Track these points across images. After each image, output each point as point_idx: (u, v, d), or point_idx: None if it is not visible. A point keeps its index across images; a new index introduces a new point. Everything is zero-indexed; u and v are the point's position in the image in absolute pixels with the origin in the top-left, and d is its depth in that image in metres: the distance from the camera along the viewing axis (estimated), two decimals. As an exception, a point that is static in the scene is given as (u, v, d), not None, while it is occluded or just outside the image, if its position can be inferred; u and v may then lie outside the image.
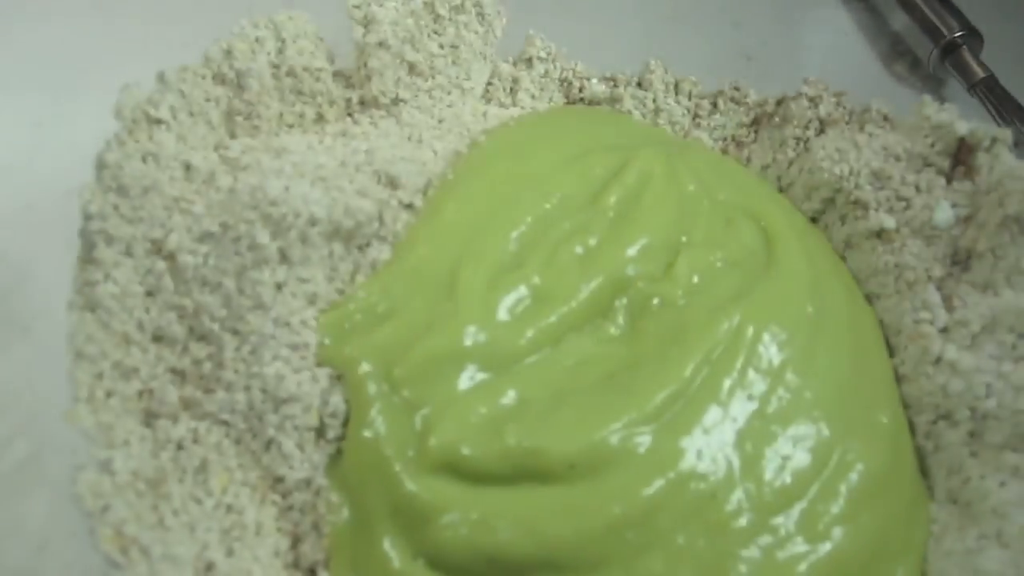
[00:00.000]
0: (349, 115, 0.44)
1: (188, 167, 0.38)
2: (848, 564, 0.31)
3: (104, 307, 0.36)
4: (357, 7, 0.43)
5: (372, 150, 0.39)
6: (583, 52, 0.49)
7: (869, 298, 0.40)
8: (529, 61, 0.48)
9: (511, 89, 0.48)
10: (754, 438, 0.32)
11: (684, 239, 0.39)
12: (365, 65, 0.43)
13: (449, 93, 0.45)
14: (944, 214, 0.38)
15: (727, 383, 0.33)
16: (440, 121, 0.44)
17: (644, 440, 0.31)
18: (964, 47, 0.50)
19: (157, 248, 0.36)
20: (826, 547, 0.31)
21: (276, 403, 0.34)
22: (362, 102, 0.44)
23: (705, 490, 0.31)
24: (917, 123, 0.40)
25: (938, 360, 0.36)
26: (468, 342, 0.33)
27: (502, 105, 0.48)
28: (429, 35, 0.44)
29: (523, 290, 0.35)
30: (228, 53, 0.40)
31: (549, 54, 0.48)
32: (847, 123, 0.44)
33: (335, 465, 0.34)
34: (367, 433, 0.32)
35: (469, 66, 0.45)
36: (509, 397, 0.33)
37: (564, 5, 0.53)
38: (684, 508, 0.31)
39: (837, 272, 0.40)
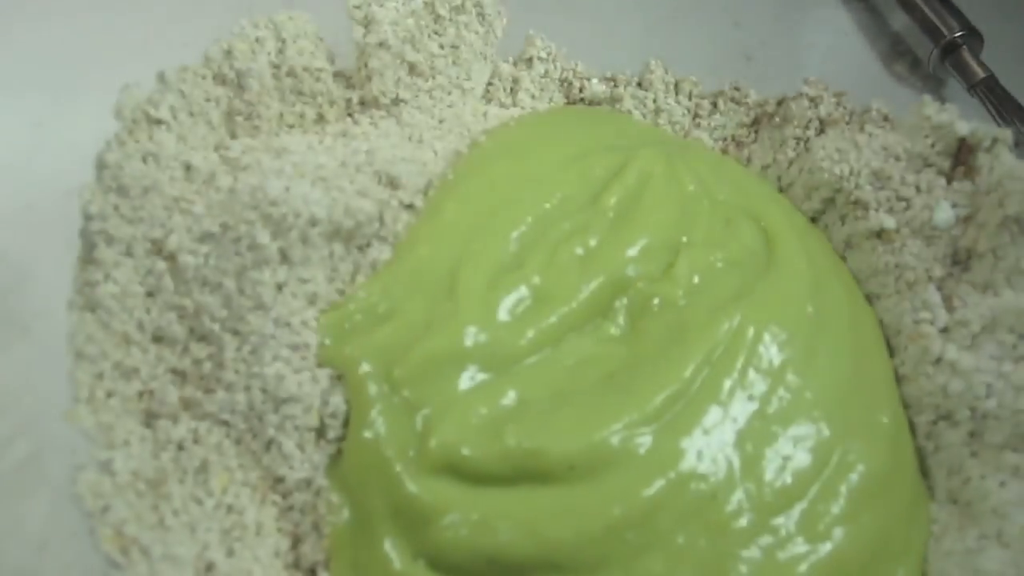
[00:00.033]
0: (349, 115, 0.44)
1: (188, 167, 0.38)
2: (848, 564, 0.31)
3: (104, 307, 0.36)
4: (357, 7, 0.43)
5: (372, 150, 0.39)
6: (583, 52, 0.49)
7: (869, 298, 0.40)
8: (529, 61, 0.48)
9: (511, 89, 0.48)
10: (754, 438, 0.32)
11: (684, 239, 0.38)
12: (365, 65, 0.43)
13: (449, 93, 0.45)
14: (944, 214, 0.38)
15: (727, 383, 0.33)
16: (440, 121, 0.44)
17: (644, 440, 0.31)
18: (964, 47, 0.50)
19: (157, 248, 0.36)
20: (826, 547, 0.31)
21: (276, 403, 0.34)
22: (362, 102, 0.44)
23: (705, 490, 0.31)
24: (917, 123, 0.40)
25: (938, 360, 0.36)
26: (468, 342, 0.33)
27: (502, 105, 0.48)
28: (429, 35, 0.44)
29: (523, 290, 0.35)
30: (228, 53, 0.40)
31: (549, 54, 0.48)
32: (847, 123, 0.44)
33: (335, 465, 0.34)
34: (367, 434, 0.32)
35: (469, 66, 0.45)
36: (509, 397, 0.33)
37: (564, 5, 0.53)
38: (684, 508, 0.31)
39: (837, 272, 0.40)
